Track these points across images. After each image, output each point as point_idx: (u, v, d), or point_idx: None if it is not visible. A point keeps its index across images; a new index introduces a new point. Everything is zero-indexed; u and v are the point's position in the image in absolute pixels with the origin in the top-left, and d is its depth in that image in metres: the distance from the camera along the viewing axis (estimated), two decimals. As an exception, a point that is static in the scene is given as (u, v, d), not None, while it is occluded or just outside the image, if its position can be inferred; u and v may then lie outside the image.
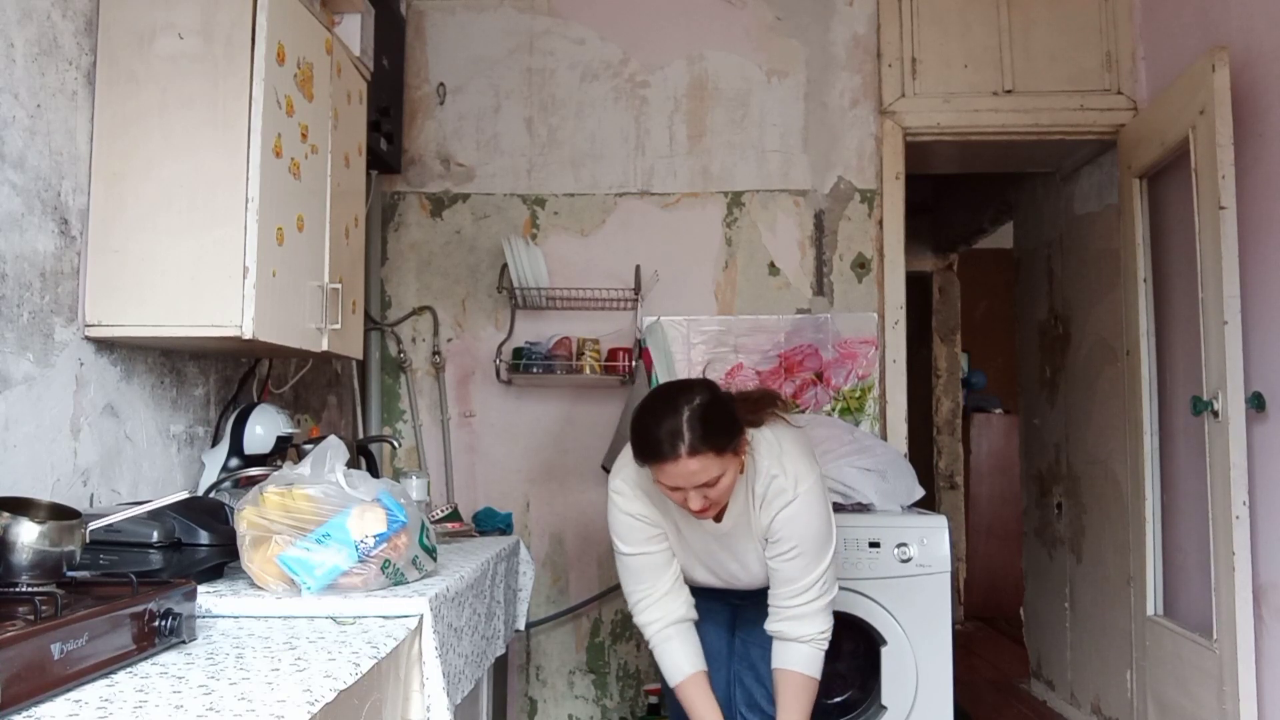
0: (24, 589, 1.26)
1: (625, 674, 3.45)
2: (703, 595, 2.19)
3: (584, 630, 3.46)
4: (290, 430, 2.27)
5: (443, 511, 2.69)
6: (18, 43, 1.72)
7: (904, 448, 3.33)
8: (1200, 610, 2.82)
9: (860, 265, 3.46)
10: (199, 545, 1.74)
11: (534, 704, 3.46)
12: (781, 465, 2.03)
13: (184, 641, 1.39)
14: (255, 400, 2.50)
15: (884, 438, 3.35)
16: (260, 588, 1.69)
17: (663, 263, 3.44)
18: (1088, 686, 3.80)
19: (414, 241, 3.53)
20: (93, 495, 1.91)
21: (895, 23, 3.49)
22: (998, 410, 6.38)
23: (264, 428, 2.22)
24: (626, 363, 3.29)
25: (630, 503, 2.09)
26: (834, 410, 3.39)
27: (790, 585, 2.05)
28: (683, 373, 3.35)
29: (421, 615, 1.65)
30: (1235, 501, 2.57)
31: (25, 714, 1.05)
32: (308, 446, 2.20)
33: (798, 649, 2.06)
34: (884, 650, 2.75)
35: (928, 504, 3.24)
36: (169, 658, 1.33)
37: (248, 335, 1.88)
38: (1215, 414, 2.66)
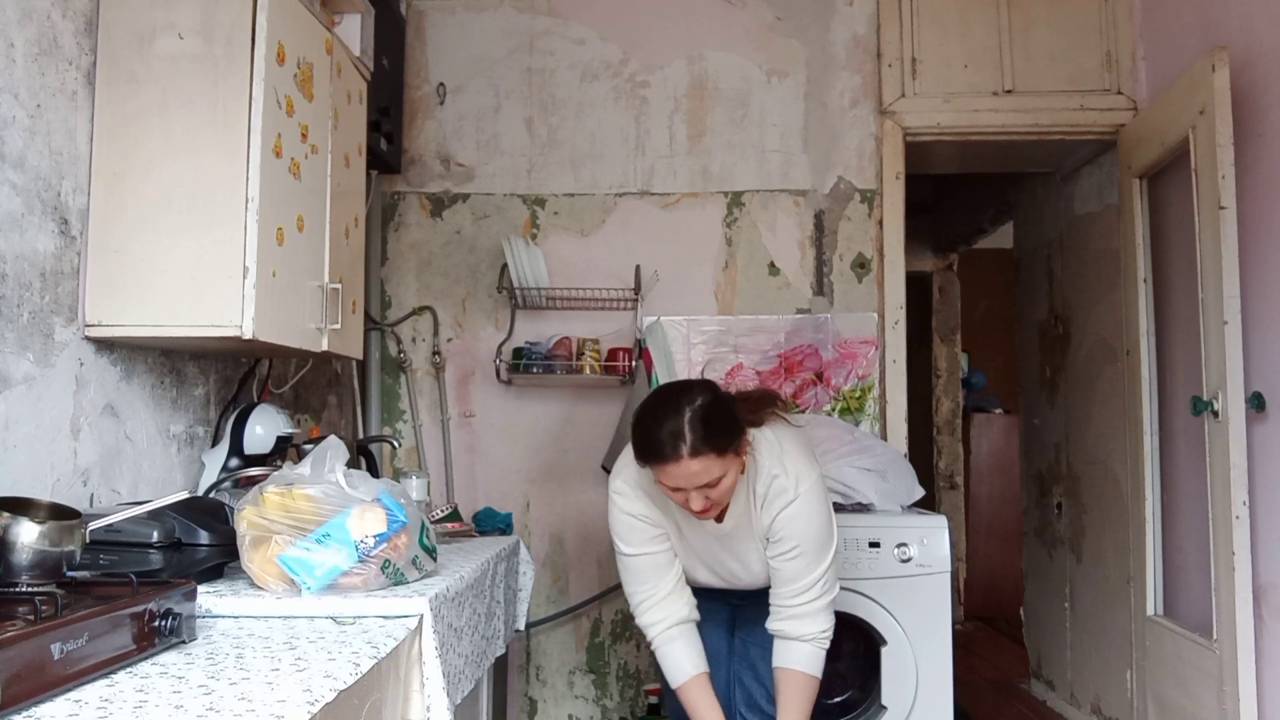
0: (24, 589, 1.26)
1: (625, 674, 3.45)
2: (702, 595, 2.19)
3: (584, 630, 3.47)
4: (290, 430, 2.27)
5: (443, 511, 2.69)
6: (18, 43, 1.71)
7: (904, 448, 3.33)
8: (1200, 610, 2.82)
9: (860, 265, 3.46)
10: (199, 545, 1.74)
11: (534, 704, 3.46)
12: (782, 465, 2.03)
13: (184, 641, 1.39)
14: (255, 400, 2.50)
15: (884, 438, 3.35)
16: (260, 588, 1.69)
17: (663, 263, 3.44)
18: (1088, 686, 3.80)
19: (414, 241, 3.53)
20: (93, 495, 1.91)
21: (895, 23, 3.49)
22: (998, 410, 6.38)
23: (264, 428, 2.22)
24: (626, 363, 3.29)
25: (631, 503, 2.09)
26: (834, 410, 3.39)
27: (792, 584, 2.05)
28: (683, 373, 3.35)
29: (421, 615, 1.65)
30: (1235, 501, 2.57)
31: (25, 714, 1.05)
32: (308, 446, 2.20)
33: (799, 647, 2.06)
34: (884, 650, 2.75)
35: (928, 504, 3.24)
36: (169, 658, 1.33)
37: (248, 335, 1.88)
38: (1215, 414, 2.66)
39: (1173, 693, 2.97)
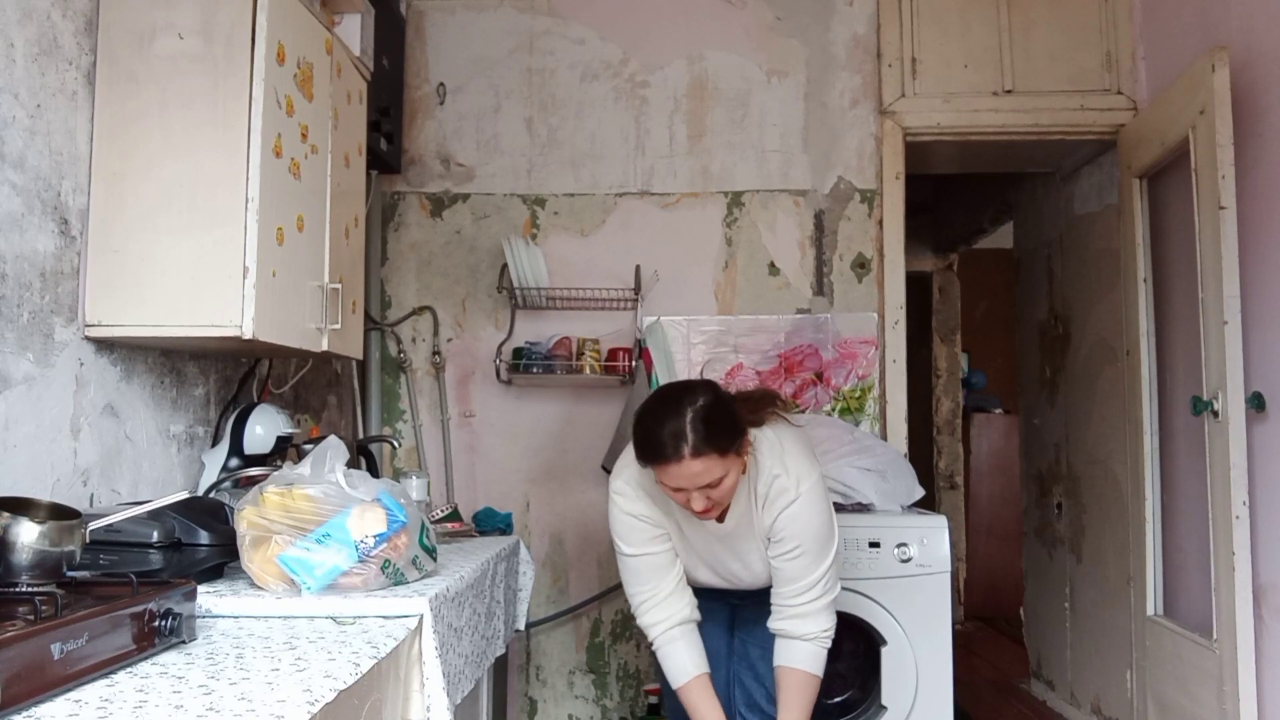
0: (24, 589, 1.26)
1: (625, 674, 3.45)
2: (702, 595, 2.19)
3: (584, 630, 3.46)
4: (290, 430, 2.27)
5: (443, 511, 2.69)
6: (18, 43, 1.71)
7: (904, 448, 3.33)
8: (1200, 610, 2.82)
9: (860, 265, 3.46)
10: (199, 545, 1.74)
11: (534, 704, 3.46)
12: (783, 464, 2.03)
13: (184, 641, 1.39)
14: (255, 400, 2.50)
15: (884, 438, 3.35)
16: (260, 588, 1.69)
17: (663, 263, 3.44)
18: (1088, 686, 3.80)
19: (414, 241, 3.53)
20: (93, 495, 1.91)
21: (895, 23, 3.49)
22: (998, 410, 6.38)
23: (264, 428, 2.22)
24: (626, 363, 3.29)
25: (632, 503, 2.09)
26: (834, 410, 3.39)
27: (793, 584, 2.05)
28: (683, 373, 3.35)
29: (421, 615, 1.65)
30: (1235, 501, 2.57)
31: (25, 714, 1.05)
32: (308, 446, 2.20)
33: (801, 647, 2.06)
34: (884, 650, 2.75)
35: (928, 504, 3.24)
36: (169, 658, 1.33)
37: (248, 335, 1.88)
38: (1215, 414, 2.66)
39: (1173, 693, 2.97)
